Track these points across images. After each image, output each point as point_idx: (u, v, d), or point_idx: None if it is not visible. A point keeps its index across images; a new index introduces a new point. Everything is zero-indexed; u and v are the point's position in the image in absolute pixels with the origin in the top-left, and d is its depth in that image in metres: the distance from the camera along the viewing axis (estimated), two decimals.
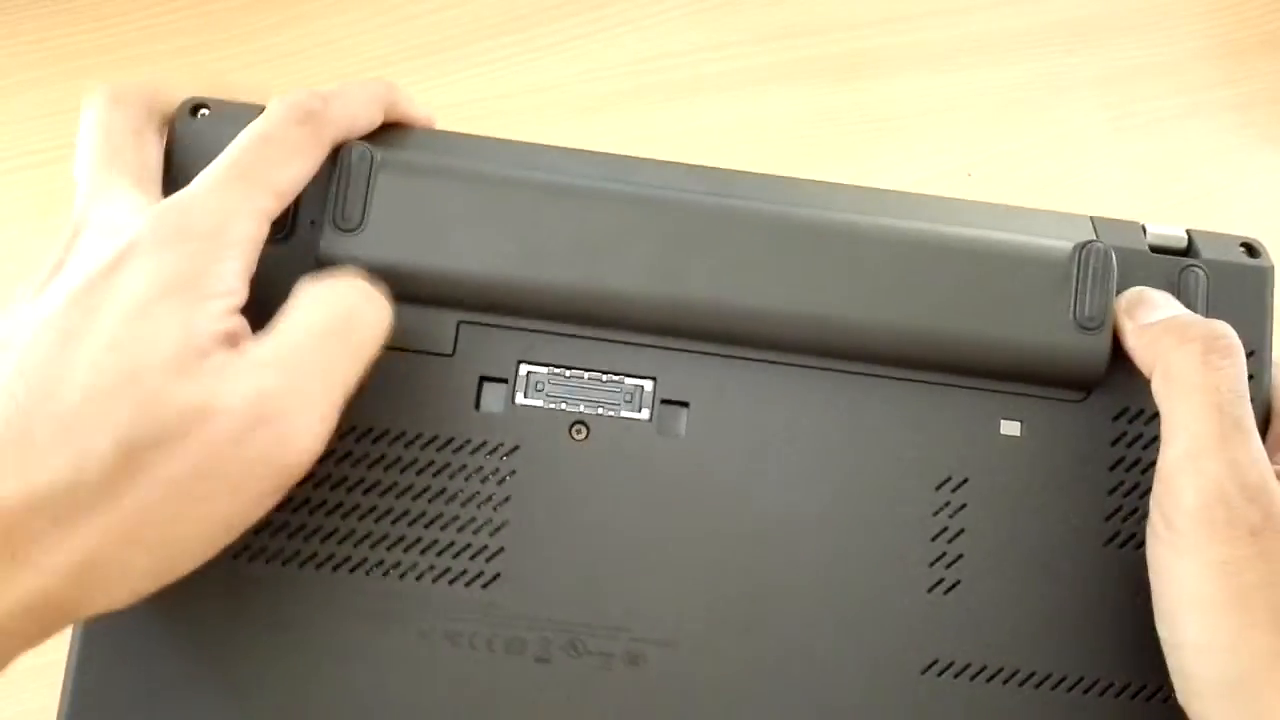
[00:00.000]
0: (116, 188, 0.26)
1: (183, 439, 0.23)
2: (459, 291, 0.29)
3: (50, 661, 0.38)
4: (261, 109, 0.29)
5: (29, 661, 0.39)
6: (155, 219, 0.25)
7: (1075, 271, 0.29)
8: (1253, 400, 0.27)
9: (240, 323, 0.25)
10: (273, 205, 0.26)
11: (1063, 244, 0.29)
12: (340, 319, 0.26)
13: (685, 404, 0.29)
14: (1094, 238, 0.29)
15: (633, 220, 0.29)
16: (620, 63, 0.48)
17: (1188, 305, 0.29)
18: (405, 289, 0.28)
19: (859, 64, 0.49)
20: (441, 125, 0.47)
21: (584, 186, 0.29)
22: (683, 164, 0.31)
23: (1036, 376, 0.29)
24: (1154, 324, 0.28)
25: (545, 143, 0.31)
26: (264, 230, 0.26)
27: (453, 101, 0.47)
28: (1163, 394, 0.27)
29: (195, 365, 0.24)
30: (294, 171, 0.27)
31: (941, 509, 0.29)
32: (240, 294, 0.25)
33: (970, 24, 0.50)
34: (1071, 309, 0.28)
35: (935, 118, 0.48)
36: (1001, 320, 0.28)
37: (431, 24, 0.49)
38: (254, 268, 0.26)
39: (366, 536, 0.28)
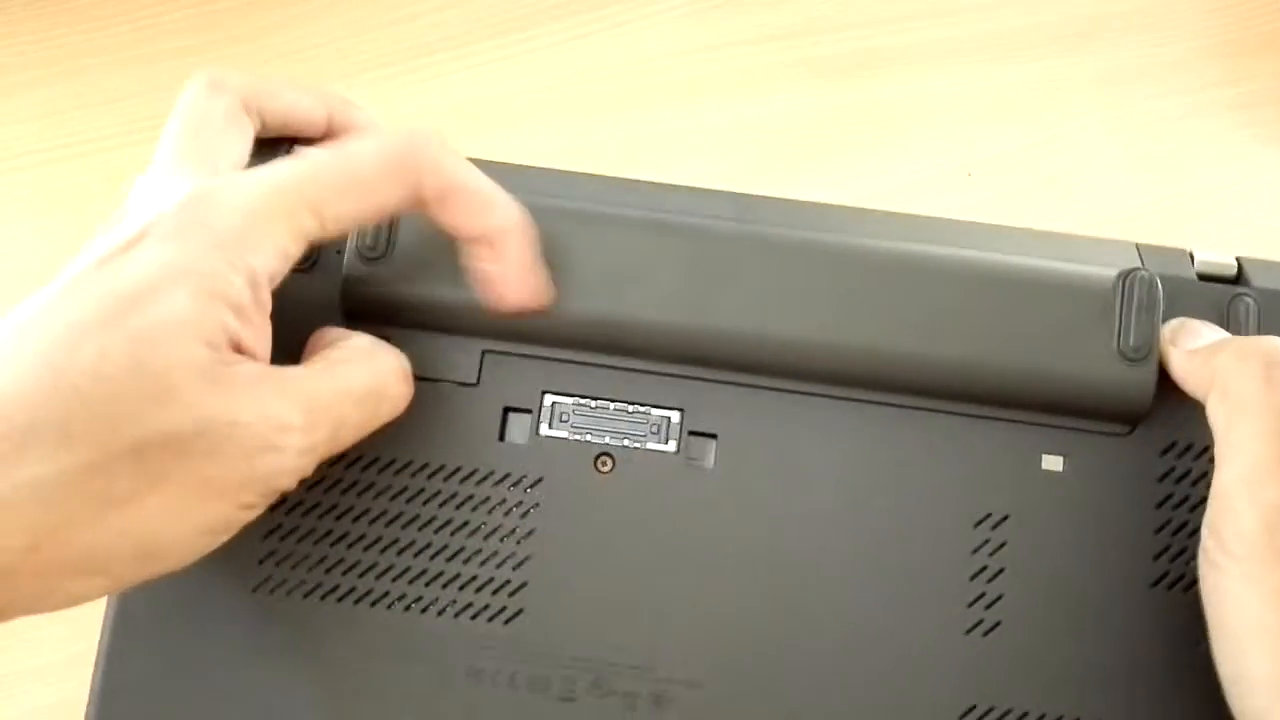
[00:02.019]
0: (175, 175, 0.26)
1: (201, 449, 0.22)
2: (484, 320, 0.28)
3: (50, 662, 0.38)
4: None
5: (30, 662, 0.39)
6: (180, 206, 0.24)
7: (1119, 301, 0.28)
8: None
9: (252, 334, 0.24)
10: (315, 229, 0.25)
11: (1106, 271, 0.28)
12: (375, 391, 0.26)
13: (714, 436, 0.28)
14: (1139, 265, 0.29)
15: (662, 248, 0.28)
16: (620, 63, 0.48)
17: (1238, 334, 0.28)
18: (430, 318, 0.28)
19: (859, 64, 0.49)
20: (442, 126, 0.47)
21: (611, 214, 0.29)
22: (710, 190, 0.30)
23: (1080, 409, 0.28)
24: (1206, 346, 0.27)
25: (575, 170, 0.30)
26: (297, 249, 0.25)
27: (453, 101, 0.47)
28: (1219, 414, 0.26)
29: (221, 372, 0.23)
30: (360, 210, 0.25)
31: (981, 547, 0.28)
32: (247, 307, 0.24)
33: (970, 24, 0.50)
34: (1116, 339, 0.28)
35: (935, 118, 0.48)
36: (1044, 351, 0.28)
37: (431, 24, 0.49)
38: (273, 284, 0.24)
39: (388, 570, 0.28)
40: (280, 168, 0.25)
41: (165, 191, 0.25)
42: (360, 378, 0.26)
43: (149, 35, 0.48)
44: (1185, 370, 0.27)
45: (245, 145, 0.28)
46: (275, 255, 0.24)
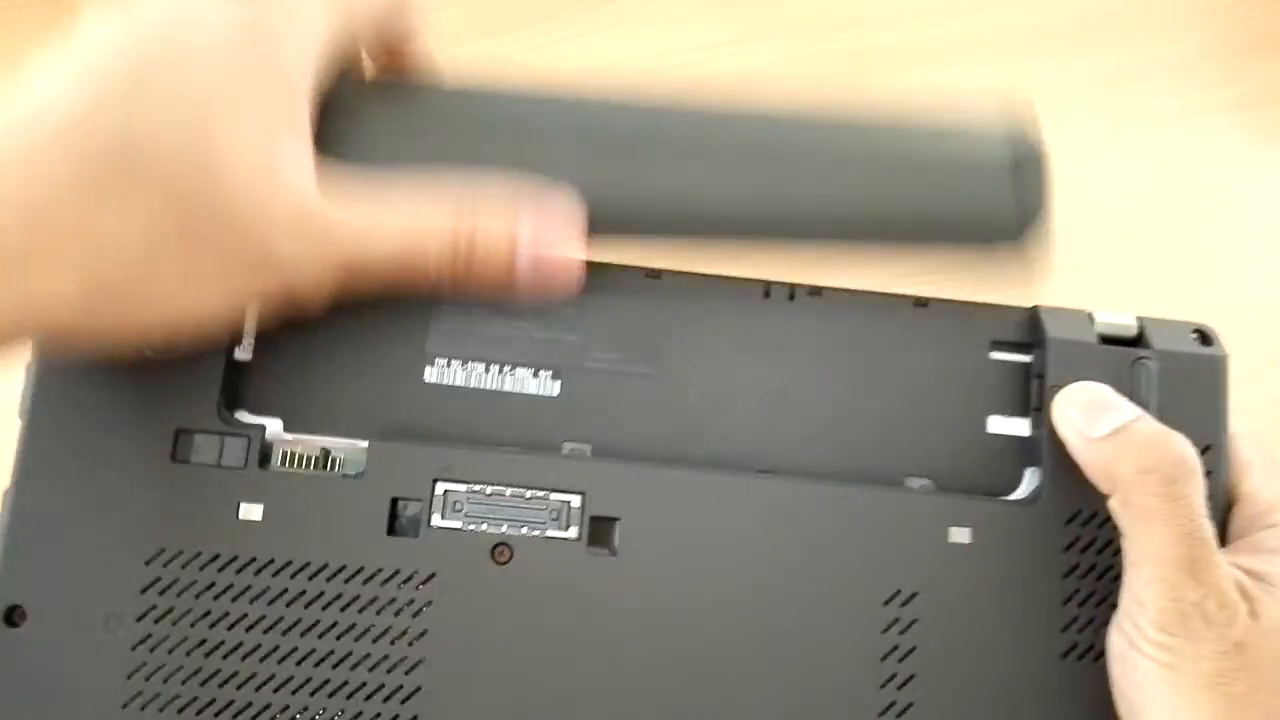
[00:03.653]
0: None
1: (232, 223, 0.23)
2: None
3: None
4: None
5: None
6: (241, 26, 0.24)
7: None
8: (1211, 497, 0.26)
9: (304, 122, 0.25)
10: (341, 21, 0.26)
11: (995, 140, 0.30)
12: (408, 248, 0.25)
13: (616, 519, 0.27)
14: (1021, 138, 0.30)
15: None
16: (624, 60, 0.48)
17: (1139, 399, 0.28)
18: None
19: (860, 63, 0.49)
20: None
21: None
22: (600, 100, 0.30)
23: (970, 231, 0.29)
24: (1106, 439, 0.27)
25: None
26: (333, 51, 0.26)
27: None
28: (1124, 518, 0.26)
29: (270, 162, 0.24)
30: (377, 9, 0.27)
31: (891, 625, 0.27)
32: (309, 90, 0.25)
33: (970, 24, 0.50)
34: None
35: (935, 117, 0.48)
36: (934, 182, 0.29)
37: (431, 23, 0.48)
38: (318, 83, 0.25)
39: (268, 680, 0.26)
40: None
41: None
42: (396, 227, 0.25)
43: None
44: (1087, 461, 0.27)
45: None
46: (322, 52, 0.25)
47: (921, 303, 0.30)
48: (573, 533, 0.27)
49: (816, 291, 0.30)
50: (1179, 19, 0.50)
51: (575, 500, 0.27)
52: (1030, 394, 0.29)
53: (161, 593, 0.26)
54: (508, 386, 0.29)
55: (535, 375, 0.29)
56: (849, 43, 0.49)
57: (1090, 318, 0.30)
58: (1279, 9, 0.51)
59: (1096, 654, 0.27)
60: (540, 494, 0.27)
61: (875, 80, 0.48)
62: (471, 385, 0.28)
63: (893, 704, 0.27)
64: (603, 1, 0.49)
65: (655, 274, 0.29)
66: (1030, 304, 0.30)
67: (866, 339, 0.29)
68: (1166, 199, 0.47)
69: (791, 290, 0.30)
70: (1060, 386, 0.28)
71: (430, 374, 0.28)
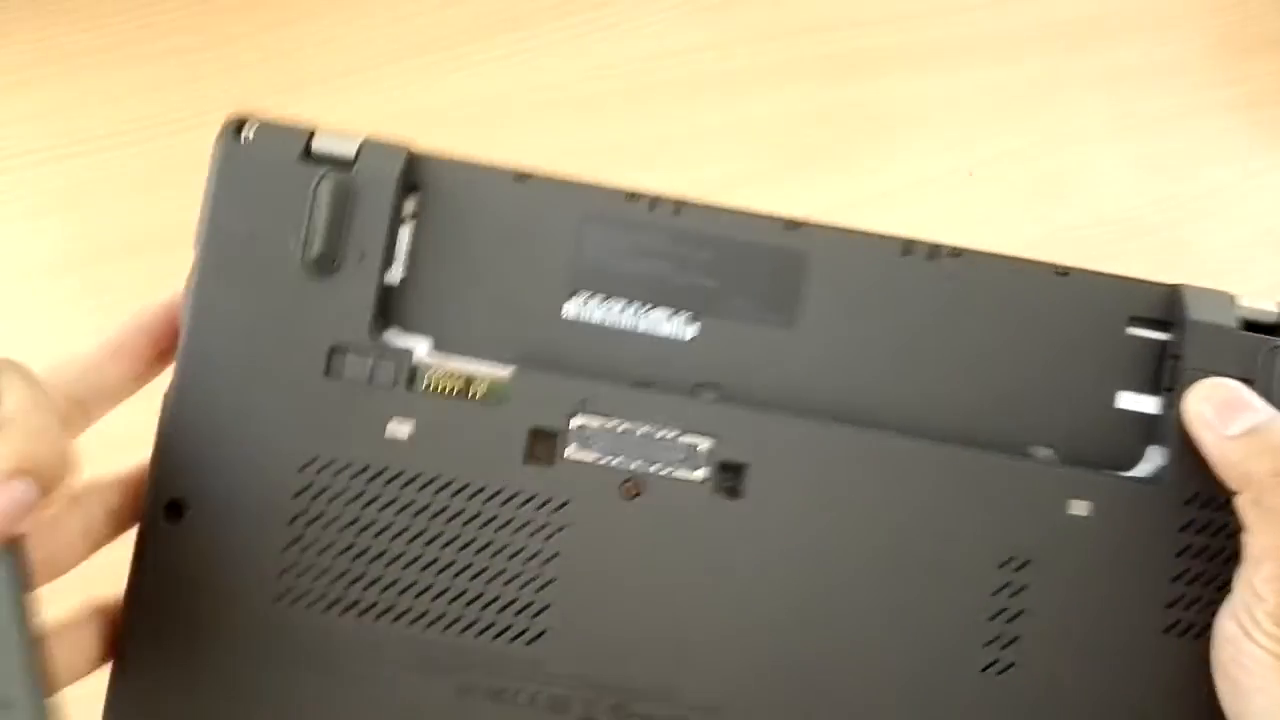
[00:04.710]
0: None
1: None
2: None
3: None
4: (308, 131, 0.28)
5: None
6: None
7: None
8: None
9: None
10: None
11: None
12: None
13: (743, 466, 0.28)
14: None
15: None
16: (620, 63, 0.48)
17: (1273, 386, 0.28)
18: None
19: (859, 64, 0.49)
20: (440, 124, 0.47)
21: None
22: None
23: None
24: (1240, 439, 0.27)
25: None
26: None
27: (452, 100, 0.47)
28: (1251, 517, 0.26)
29: None
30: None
31: (1002, 589, 0.28)
32: None
33: (970, 24, 0.50)
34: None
35: (935, 118, 0.48)
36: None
37: (431, 23, 0.49)
38: None
39: (411, 585, 0.28)
40: None
41: None
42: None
43: (147, 34, 0.48)
44: (1218, 459, 0.27)
45: None
46: None
47: (1063, 272, 0.30)
48: (700, 475, 0.28)
49: (957, 253, 0.30)
50: (1179, 18, 0.50)
51: (705, 443, 0.28)
52: (1163, 373, 0.29)
53: (313, 498, 0.28)
54: (643, 327, 0.29)
55: (671, 317, 0.29)
56: (848, 43, 0.49)
57: (1233, 300, 0.29)
58: (1279, 9, 0.51)
59: (1198, 632, 0.27)
60: (671, 435, 0.28)
61: (873, 82, 0.48)
62: (609, 323, 0.29)
63: (995, 662, 0.28)
64: (599, 3, 0.49)
65: (795, 225, 0.29)
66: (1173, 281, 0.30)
67: (1003, 303, 0.29)
68: (1166, 199, 0.47)
69: (931, 249, 0.30)
70: (1195, 369, 0.28)
71: (570, 307, 0.29)
